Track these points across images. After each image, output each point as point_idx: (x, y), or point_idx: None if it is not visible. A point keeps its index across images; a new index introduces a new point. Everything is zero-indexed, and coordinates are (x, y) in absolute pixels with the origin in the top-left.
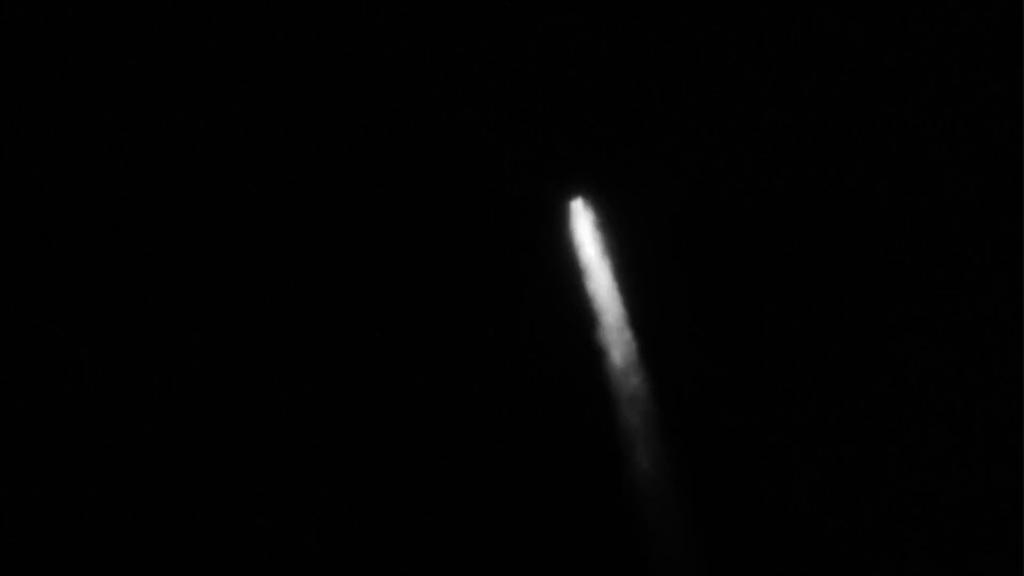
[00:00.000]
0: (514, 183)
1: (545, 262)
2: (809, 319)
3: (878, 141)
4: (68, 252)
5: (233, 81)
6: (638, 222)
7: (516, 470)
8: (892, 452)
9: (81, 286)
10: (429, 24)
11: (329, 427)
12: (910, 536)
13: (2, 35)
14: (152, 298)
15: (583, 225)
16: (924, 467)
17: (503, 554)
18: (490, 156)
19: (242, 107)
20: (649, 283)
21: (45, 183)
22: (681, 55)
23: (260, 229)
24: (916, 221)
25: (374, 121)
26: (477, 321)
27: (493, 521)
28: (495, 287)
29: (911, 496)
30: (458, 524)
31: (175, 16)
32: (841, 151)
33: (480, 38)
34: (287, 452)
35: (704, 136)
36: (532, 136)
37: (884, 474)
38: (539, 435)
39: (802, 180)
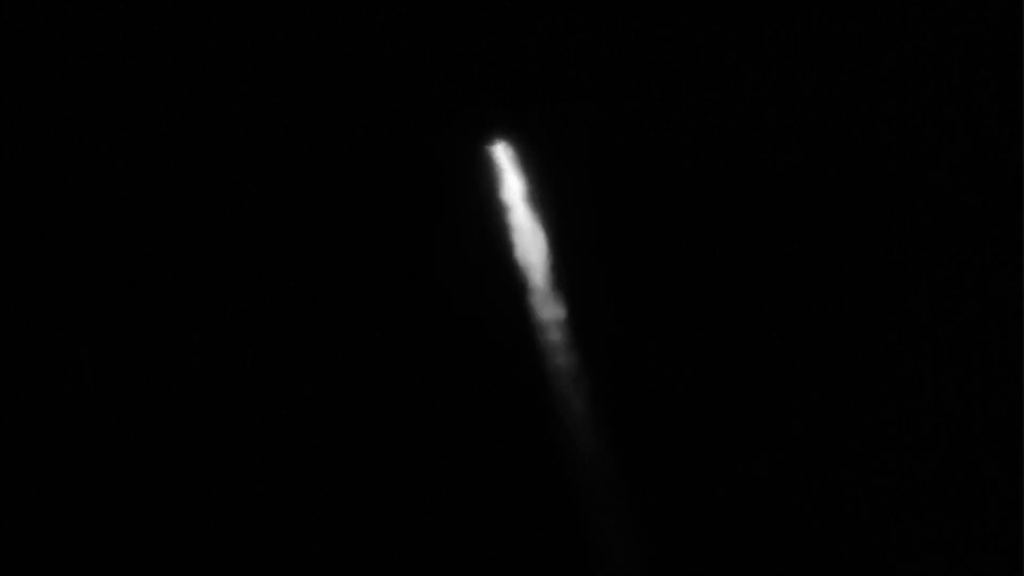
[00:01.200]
0: (421, 127)
1: (462, 216)
2: (758, 275)
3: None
4: (59, 252)
5: None
6: (568, 166)
7: (445, 455)
8: (848, 435)
9: (70, 286)
10: None
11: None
12: (878, 534)
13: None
14: (142, 297)
15: (504, 172)
16: (892, 465)
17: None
18: (393, 97)
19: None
20: (583, 237)
21: (44, 183)
22: None
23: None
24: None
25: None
26: (396, 291)
27: (428, 513)
28: (407, 251)
29: (874, 490)
30: (394, 517)
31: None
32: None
33: None
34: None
35: (642, 70)
36: (441, 73)
37: (837, 457)
38: (469, 413)
39: (743, 120)
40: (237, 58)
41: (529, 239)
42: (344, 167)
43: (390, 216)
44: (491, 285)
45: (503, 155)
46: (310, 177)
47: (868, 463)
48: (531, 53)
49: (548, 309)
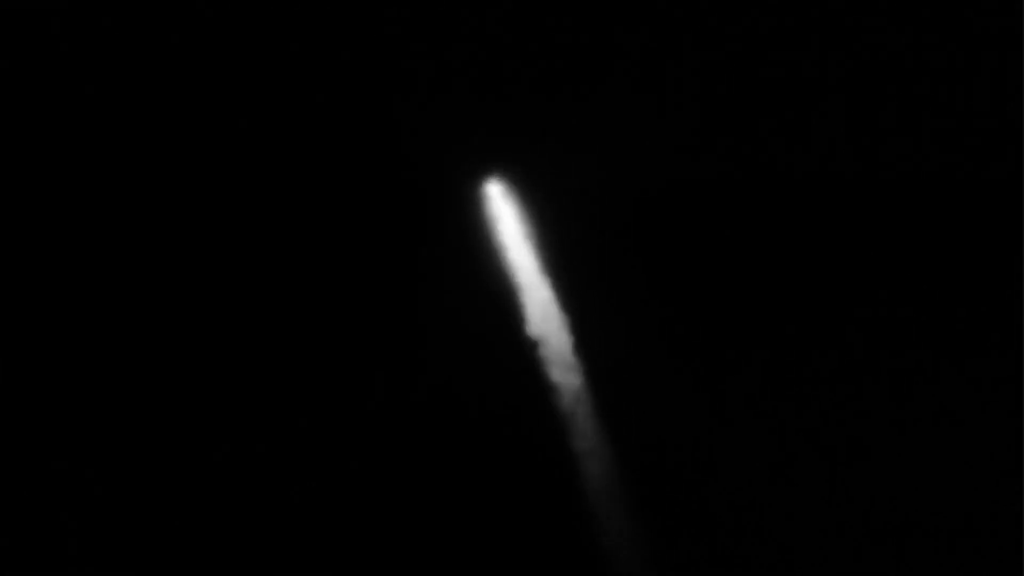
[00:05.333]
0: (422, 166)
1: (462, 253)
2: (748, 302)
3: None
4: (50, 253)
5: None
6: (563, 204)
7: (452, 474)
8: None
9: (59, 289)
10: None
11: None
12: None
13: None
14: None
15: (502, 209)
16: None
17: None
18: (396, 138)
19: None
20: (578, 270)
21: (43, 182)
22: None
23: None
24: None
25: (275, 100)
26: (397, 320)
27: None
28: (409, 284)
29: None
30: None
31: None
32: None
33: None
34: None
35: (629, 111)
36: (441, 113)
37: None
38: (475, 437)
39: (730, 157)
40: (243, 95)
41: (527, 275)
42: (343, 206)
43: (388, 256)
44: (487, 314)
45: (499, 192)
46: (308, 220)
47: (871, 465)
48: (527, 93)
49: (556, 363)
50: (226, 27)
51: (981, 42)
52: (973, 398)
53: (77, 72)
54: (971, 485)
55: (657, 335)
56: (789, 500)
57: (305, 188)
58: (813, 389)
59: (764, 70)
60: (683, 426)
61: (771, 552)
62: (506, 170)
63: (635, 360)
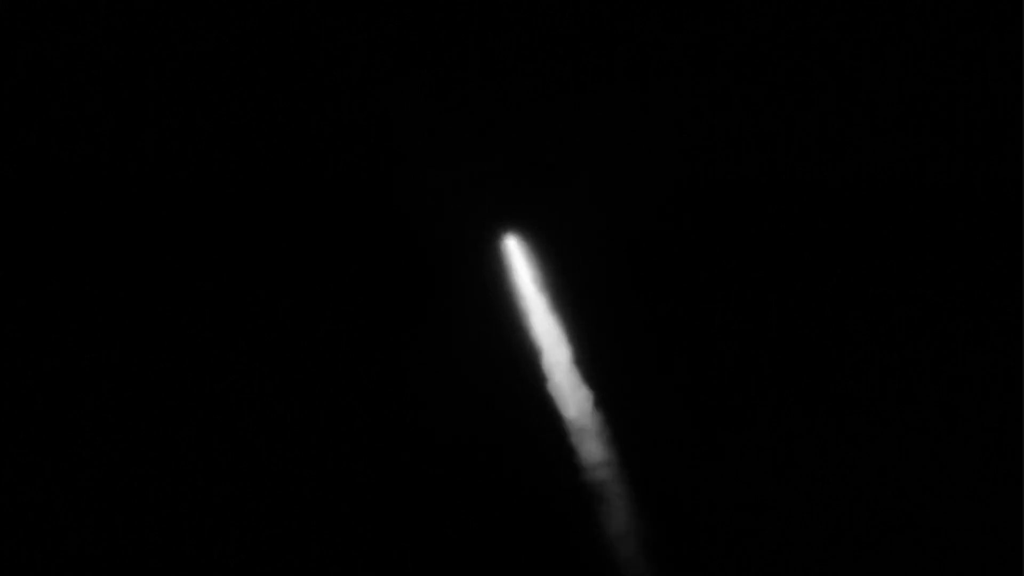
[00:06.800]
0: (442, 220)
1: (481, 301)
2: (758, 349)
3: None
4: (50, 253)
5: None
6: (575, 254)
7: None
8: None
9: (58, 289)
10: (358, 53)
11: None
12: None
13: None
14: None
15: (517, 260)
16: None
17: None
18: (417, 192)
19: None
20: (590, 317)
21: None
22: (614, 80)
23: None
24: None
25: (298, 151)
26: (416, 364)
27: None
28: (430, 328)
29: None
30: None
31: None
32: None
33: (411, 70)
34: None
35: (640, 163)
36: (460, 170)
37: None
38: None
39: (742, 201)
40: (258, 148)
41: (546, 328)
42: (358, 260)
43: (404, 310)
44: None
45: (515, 247)
46: (322, 273)
47: (871, 465)
48: (542, 144)
49: (573, 399)
50: (249, 65)
51: (981, 42)
52: (973, 398)
53: (77, 73)
54: (971, 485)
55: (668, 377)
56: (791, 502)
57: (325, 238)
58: (819, 397)
59: (763, 87)
60: (695, 466)
61: (772, 552)
62: (522, 223)
63: (648, 407)
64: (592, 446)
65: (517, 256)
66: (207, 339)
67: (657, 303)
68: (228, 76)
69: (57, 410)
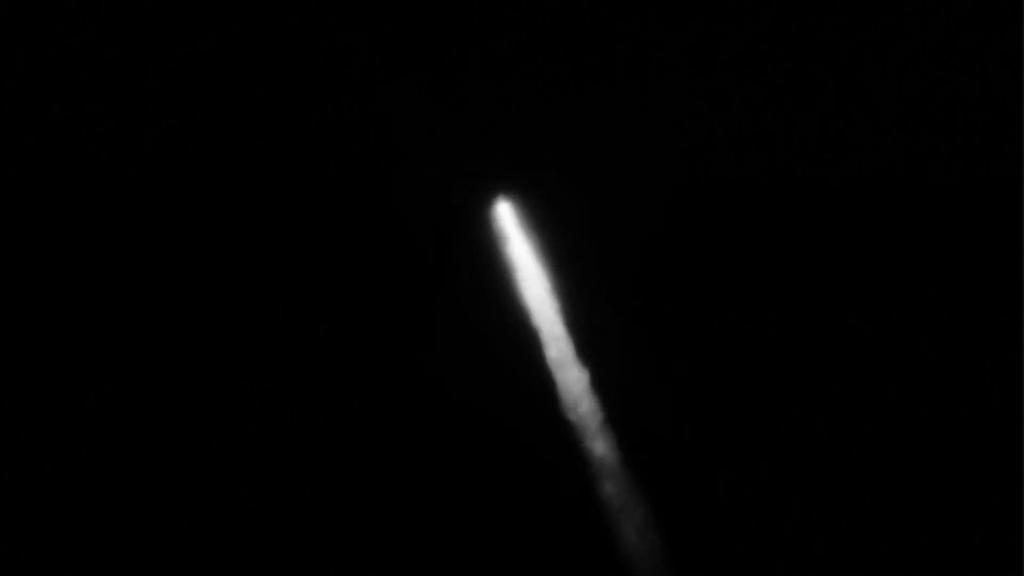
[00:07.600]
0: (433, 184)
1: (472, 266)
2: (747, 311)
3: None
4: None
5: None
6: (567, 218)
7: (464, 478)
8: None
9: (59, 288)
10: (346, 20)
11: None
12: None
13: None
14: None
15: (509, 225)
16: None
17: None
18: (407, 157)
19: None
20: (583, 282)
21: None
22: (609, 45)
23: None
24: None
25: (289, 119)
26: (410, 330)
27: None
28: (421, 296)
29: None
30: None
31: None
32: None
33: (400, 33)
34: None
35: (633, 127)
36: (450, 134)
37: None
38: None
39: (732, 170)
40: (251, 125)
41: (537, 293)
42: (354, 226)
43: (400, 284)
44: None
45: (508, 214)
46: (316, 253)
47: (871, 466)
48: (535, 113)
49: (553, 339)
50: (239, 49)
51: (981, 42)
52: (973, 398)
53: (77, 73)
54: (971, 485)
55: (664, 346)
56: (792, 502)
57: (318, 208)
58: (819, 396)
59: (765, 79)
60: (691, 436)
61: (772, 553)
62: (516, 188)
63: (642, 372)
64: (589, 425)
65: (509, 221)
66: (205, 321)
67: (656, 288)
68: (228, 76)
69: (57, 410)
